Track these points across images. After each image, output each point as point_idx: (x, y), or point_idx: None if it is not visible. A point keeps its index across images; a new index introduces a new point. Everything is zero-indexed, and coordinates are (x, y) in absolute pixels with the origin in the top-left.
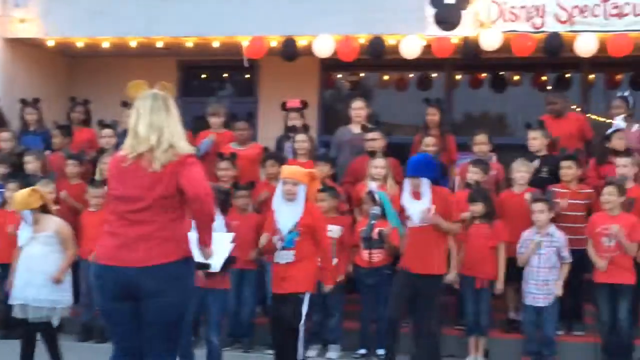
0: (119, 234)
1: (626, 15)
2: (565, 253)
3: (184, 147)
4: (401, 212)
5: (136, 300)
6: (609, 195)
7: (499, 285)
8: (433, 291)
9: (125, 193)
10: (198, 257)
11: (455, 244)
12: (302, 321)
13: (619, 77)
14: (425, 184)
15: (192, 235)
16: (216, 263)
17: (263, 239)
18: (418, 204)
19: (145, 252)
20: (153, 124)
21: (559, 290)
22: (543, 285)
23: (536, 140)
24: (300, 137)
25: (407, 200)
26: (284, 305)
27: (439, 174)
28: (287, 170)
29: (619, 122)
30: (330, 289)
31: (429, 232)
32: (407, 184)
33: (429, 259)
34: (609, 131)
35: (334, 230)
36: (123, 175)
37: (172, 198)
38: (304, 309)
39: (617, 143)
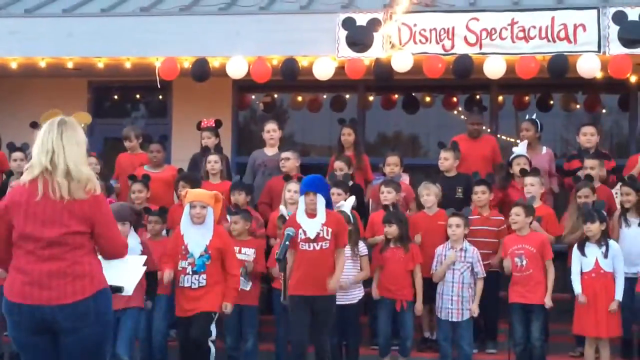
0: (27, 270)
1: (532, 38)
2: (479, 268)
3: (85, 171)
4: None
5: (53, 333)
6: (516, 215)
7: (419, 306)
8: (330, 311)
9: (34, 230)
10: (110, 280)
11: (367, 266)
12: (213, 338)
13: (527, 98)
14: (320, 202)
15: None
16: (129, 286)
17: (167, 276)
18: (313, 221)
19: (59, 290)
20: (43, 146)
21: (475, 311)
22: (458, 300)
23: (447, 161)
24: (211, 157)
25: (301, 218)
26: (193, 324)
27: (330, 197)
28: (193, 193)
29: (520, 148)
30: (228, 309)
31: (319, 254)
32: (302, 202)
33: (323, 280)
34: (511, 157)
35: (247, 254)
36: (32, 210)
37: (82, 235)
38: (213, 326)
39: (516, 169)
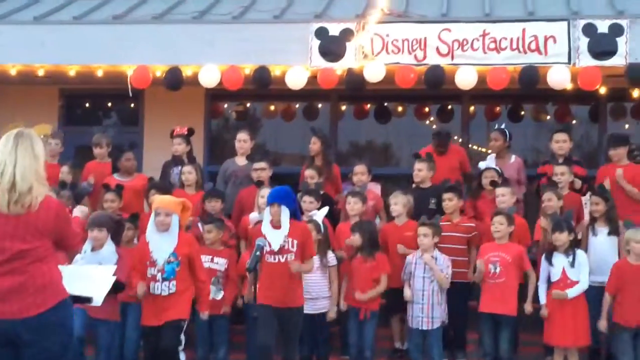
0: None
1: (504, 49)
2: (447, 270)
3: (29, 185)
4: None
5: (15, 346)
6: (499, 224)
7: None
8: (297, 324)
9: None
10: (79, 291)
11: (338, 277)
12: (182, 347)
13: (498, 109)
14: (284, 213)
15: (72, 269)
16: (98, 296)
17: (140, 290)
18: (277, 232)
19: (19, 303)
20: None
21: (427, 257)
22: (428, 308)
23: (422, 172)
24: (185, 168)
25: (267, 229)
26: (162, 333)
27: (296, 208)
28: (159, 200)
29: (488, 161)
30: (206, 316)
31: (284, 266)
32: (267, 213)
33: (290, 293)
34: (480, 170)
35: (219, 263)
36: None
37: (39, 247)
38: (182, 335)
39: (484, 182)
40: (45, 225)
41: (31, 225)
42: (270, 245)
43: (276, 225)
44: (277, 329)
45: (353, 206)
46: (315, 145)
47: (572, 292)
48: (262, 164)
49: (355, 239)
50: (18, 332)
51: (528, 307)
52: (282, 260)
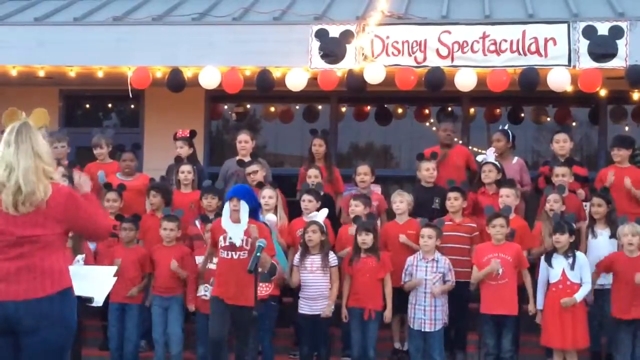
0: None
1: (504, 51)
2: (450, 277)
3: (34, 185)
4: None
5: (15, 335)
6: (501, 227)
7: (388, 314)
8: (248, 321)
9: (6, 228)
10: (80, 291)
11: (337, 278)
12: None
13: (498, 111)
14: (243, 208)
15: (73, 269)
16: (99, 297)
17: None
18: (237, 227)
19: (27, 285)
20: (2, 160)
21: (435, 290)
22: (430, 310)
23: (435, 171)
24: (184, 167)
25: (226, 223)
26: None
27: (256, 207)
28: None
29: (488, 154)
30: None
31: (237, 264)
32: (227, 208)
33: (243, 290)
34: (481, 163)
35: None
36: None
37: (49, 234)
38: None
39: (484, 177)
40: (54, 212)
41: (41, 214)
42: (225, 240)
43: (235, 220)
44: (229, 318)
45: (354, 209)
46: (321, 147)
47: (579, 296)
48: (253, 167)
49: (369, 239)
50: (20, 316)
51: (531, 308)
52: (235, 257)
